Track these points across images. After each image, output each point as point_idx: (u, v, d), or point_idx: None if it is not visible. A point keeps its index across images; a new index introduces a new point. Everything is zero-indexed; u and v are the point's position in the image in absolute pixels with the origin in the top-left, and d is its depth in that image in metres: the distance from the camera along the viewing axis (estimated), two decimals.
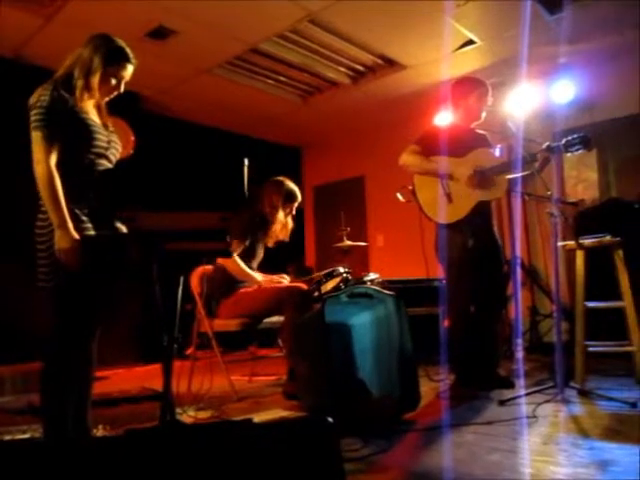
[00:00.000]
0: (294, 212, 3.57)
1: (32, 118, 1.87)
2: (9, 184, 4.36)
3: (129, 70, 2.07)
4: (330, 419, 1.37)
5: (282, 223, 3.49)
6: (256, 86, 5.33)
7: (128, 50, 2.05)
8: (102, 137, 2.01)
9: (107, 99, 2.10)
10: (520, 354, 3.88)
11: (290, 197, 3.51)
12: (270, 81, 5.31)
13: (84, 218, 1.93)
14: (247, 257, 3.40)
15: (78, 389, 1.95)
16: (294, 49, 4.69)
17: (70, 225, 1.84)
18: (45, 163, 1.84)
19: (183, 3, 3.81)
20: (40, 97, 1.87)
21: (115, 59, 2.02)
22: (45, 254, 1.88)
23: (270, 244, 3.57)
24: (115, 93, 2.10)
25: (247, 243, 3.36)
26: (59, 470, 1.23)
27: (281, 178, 3.53)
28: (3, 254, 4.29)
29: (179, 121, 5.99)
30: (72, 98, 1.95)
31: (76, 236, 1.84)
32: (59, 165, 1.88)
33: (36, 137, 1.86)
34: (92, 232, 1.93)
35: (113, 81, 2.04)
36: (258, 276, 3.40)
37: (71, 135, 1.91)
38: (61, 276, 1.87)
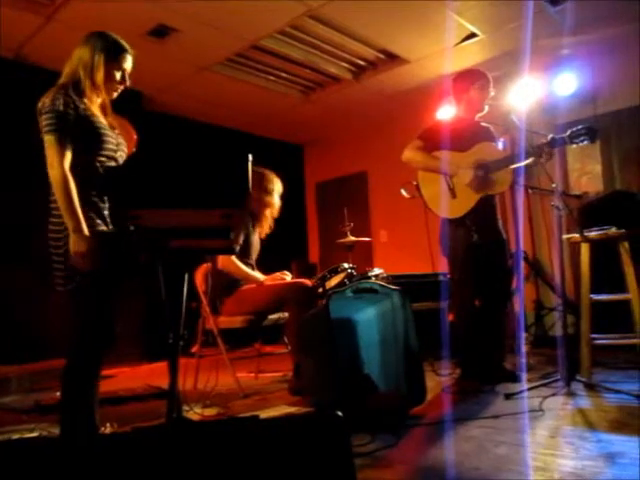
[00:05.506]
0: (281, 190, 3.59)
1: (45, 122, 1.87)
2: (12, 184, 4.38)
3: (129, 61, 2.10)
4: (340, 413, 1.36)
5: (275, 205, 3.52)
6: (257, 83, 5.33)
7: (123, 41, 2.08)
8: (112, 140, 2.03)
9: (115, 95, 2.11)
10: (524, 348, 3.87)
11: (270, 181, 3.54)
12: (271, 77, 5.31)
13: (98, 221, 1.94)
14: (245, 251, 3.39)
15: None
16: (295, 45, 4.68)
17: (85, 229, 1.85)
18: (60, 167, 1.84)
19: (183, 1, 3.80)
20: (54, 101, 1.88)
21: (114, 52, 2.04)
22: (62, 258, 1.89)
23: (267, 230, 3.58)
24: (122, 87, 2.12)
25: (241, 240, 3.35)
26: (67, 467, 1.23)
27: (259, 170, 3.53)
28: (11, 256, 4.31)
29: (181, 119, 6.00)
30: (82, 101, 1.96)
31: (90, 239, 1.85)
32: (71, 169, 1.88)
33: (49, 141, 1.86)
34: (104, 228, 1.95)
35: (117, 75, 2.06)
36: (259, 275, 3.40)
37: (83, 138, 1.92)
38: (77, 278, 1.87)
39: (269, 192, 3.48)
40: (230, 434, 1.33)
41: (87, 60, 1.99)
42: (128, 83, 2.12)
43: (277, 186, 3.55)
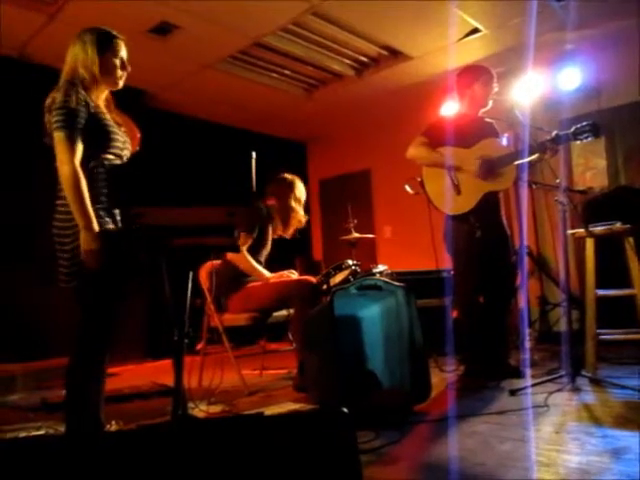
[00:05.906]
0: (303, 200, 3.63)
1: (55, 118, 1.86)
2: (15, 183, 4.39)
3: (122, 46, 2.10)
4: (345, 410, 1.36)
5: (302, 214, 3.56)
6: (260, 80, 5.32)
7: (111, 29, 2.09)
8: (119, 137, 2.04)
9: (121, 83, 2.11)
10: (529, 344, 3.87)
11: (299, 189, 3.59)
12: (275, 75, 5.30)
13: (107, 219, 1.95)
14: (257, 248, 3.41)
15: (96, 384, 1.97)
16: (298, 42, 4.68)
17: (96, 226, 1.85)
18: (70, 164, 1.84)
19: None
20: (65, 97, 1.87)
21: (106, 41, 2.04)
22: (68, 255, 1.88)
23: (290, 233, 3.58)
24: (125, 74, 2.12)
25: (254, 236, 3.36)
26: (74, 465, 1.24)
27: (290, 177, 3.56)
28: (16, 255, 4.32)
29: (184, 117, 5.99)
30: (91, 98, 1.97)
31: (101, 236, 1.85)
32: (80, 166, 1.88)
33: (59, 137, 1.85)
34: (112, 226, 1.96)
35: (117, 62, 2.06)
36: (266, 273, 3.41)
37: (92, 136, 1.92)
38: (84, 275, 1.87)
39: (299, 200, 3.50)
40: (235, 431, 1.33)
41: (82, 56, 1.99)
42: (129, 69, 2.12)
43: (304, 196, 3.58)
